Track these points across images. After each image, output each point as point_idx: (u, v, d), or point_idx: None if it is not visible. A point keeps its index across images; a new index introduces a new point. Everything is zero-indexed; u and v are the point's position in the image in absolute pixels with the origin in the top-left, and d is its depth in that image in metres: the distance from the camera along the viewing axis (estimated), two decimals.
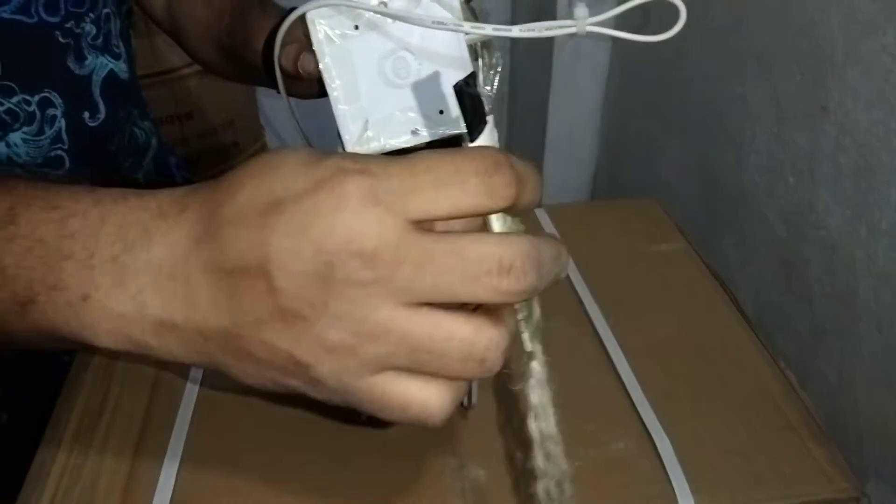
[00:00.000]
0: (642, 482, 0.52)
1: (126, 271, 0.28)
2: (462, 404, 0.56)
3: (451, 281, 0.25)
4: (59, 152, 0.63)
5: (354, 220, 0.25)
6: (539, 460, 0.36)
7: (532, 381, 0.35)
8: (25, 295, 0.29)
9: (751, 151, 0.85)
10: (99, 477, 0.52)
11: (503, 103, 1.46)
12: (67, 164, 0.64)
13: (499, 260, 0.25)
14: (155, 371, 0.61)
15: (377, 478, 0.52)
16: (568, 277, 0.70)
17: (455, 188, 0.25)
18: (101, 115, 0.69)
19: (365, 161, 0.26)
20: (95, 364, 0.61)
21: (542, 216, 0.80)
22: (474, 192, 0.25)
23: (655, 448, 0.54)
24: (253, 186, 0.27)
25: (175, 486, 0.51)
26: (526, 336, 0.34)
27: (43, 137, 0.61)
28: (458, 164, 0.25)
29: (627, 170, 1.22)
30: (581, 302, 0.67)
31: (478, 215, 0.27)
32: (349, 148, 0.41)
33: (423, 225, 0.26)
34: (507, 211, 0.27)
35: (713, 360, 0.62)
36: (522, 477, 0.45)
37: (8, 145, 0.59)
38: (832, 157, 0.70)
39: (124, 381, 0.60)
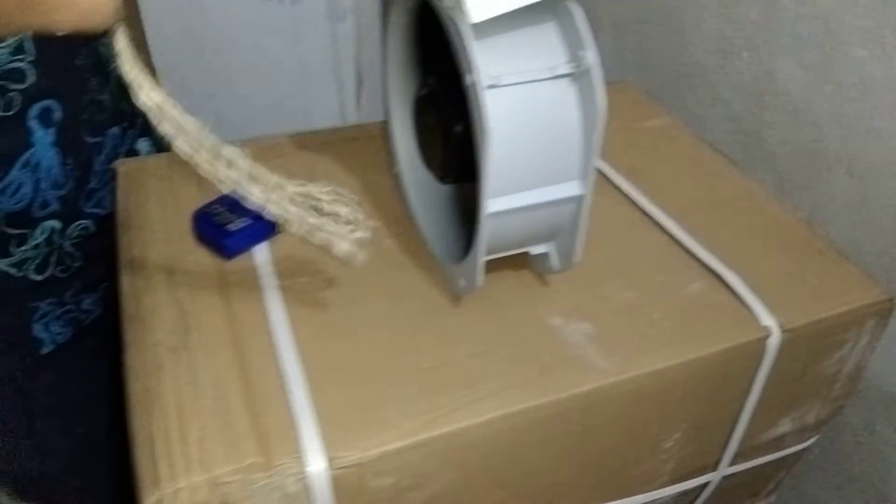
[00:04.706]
0: (726, 311, 0.58)
1: None
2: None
3: None
4: (21, 64, 0.57)
5: None
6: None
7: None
8: None
9: (696, 34, 0.92)
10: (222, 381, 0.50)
11: None
12: (31, 77, 0.58)
13: None
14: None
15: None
16: None
17: None
18: None
19: None
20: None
21: None
22: None
23: (725, 283, 0.60)
24: None
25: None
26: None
27: (1, 46, 0.55)
28: None
29: None
30: (605, 175, 0.72)
31: None
32: None
33: None
34: None
35: (740, 210, 0.69)
36: None
37: None
38: (791, 28, 0.79)
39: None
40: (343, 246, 0.47)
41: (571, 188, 0.51)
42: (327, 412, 0.49)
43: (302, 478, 0.46)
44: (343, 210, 0.48)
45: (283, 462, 0.46)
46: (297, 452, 0.46)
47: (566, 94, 0.47)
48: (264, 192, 0.46)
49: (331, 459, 0.46)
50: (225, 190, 0.45)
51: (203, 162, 0.44)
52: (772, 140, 0.85)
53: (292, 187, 0.47)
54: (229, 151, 0.45)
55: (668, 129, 0.80)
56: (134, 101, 0.42)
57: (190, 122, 0.44)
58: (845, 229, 0.78)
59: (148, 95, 0.42)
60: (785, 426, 0.66)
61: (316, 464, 0.46)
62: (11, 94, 0.56)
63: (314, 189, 0.48)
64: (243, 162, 0.45)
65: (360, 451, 0.47)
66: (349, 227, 0.47)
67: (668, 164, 0.74)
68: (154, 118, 0.43)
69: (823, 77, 0.77)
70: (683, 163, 0.75)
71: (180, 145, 0.43)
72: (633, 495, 0.63)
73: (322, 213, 0.47)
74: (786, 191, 0.84)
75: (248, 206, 0.61)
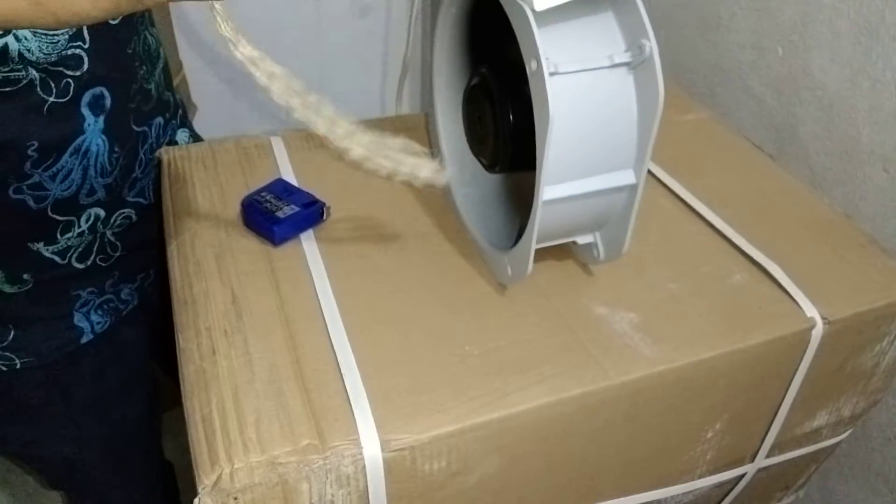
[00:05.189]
0: (770, 303, 0.58)
1: None
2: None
3: None
4: (79, 51, 0.58)
5: None
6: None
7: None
8: None
9: (730, 29, 0.93)
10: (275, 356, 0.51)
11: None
12: (87, 63, 0.59)
13: None
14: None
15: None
16: None
17: None
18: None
19: None
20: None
21: None
22: None
23: (768, 274, 0.60)
24: None
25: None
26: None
27: (59, 33, 0.56)
28: None
29: None
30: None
31: None
32: None
33: None
34: None
35: (780, 203, 0.69)
36: None
37: (17, 39, 0.53)
38: (829, 24, 0.79)
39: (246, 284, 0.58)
40: (424, 173, 0.51)
41: (626, 177, 0.52)
42: (379, 396, 0.49)
43: (356, 460, 0.47)
44: (416, 161, 0.51)
45: (338, 444, 0.47)
46: (351, 435, 0.47)
47: (624, 82, 0.48)
48: (348, 133, 0.49)
49: (384, 442, 0.47)
50: (319, 131, 0.49)
51: (297, 107, 0.48)
52: (805, 135, 0.85)
53: (369, 135, 0.50)
54: (315, 98, 0.48)
55: (706, 123, 0.80)
56: (232, 54, 0.45)
57: (280, 71, 0.47)
58: (879, 225, 0.78)
59: (243, 50, 0.45)
60: (822, 419, 0.67)
61: (370, 447, 0.47)
62: (67, 80, 0.57)
63: (389, 140, 0.51)
64: (326, 109, 0.49)
65: (412, 435, 0.48)
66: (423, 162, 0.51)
67: (708, 157, 0.75)
68: (250, 69, 0.46)
69: (861, 73, 0.77)
70: (722, 156, 0.75)
71: (276, 92, 0.47)
72: (671, 485, 0.63)
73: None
74: (818, 185, 0.84)
75: (296, 196, 0.62)
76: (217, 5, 0.43)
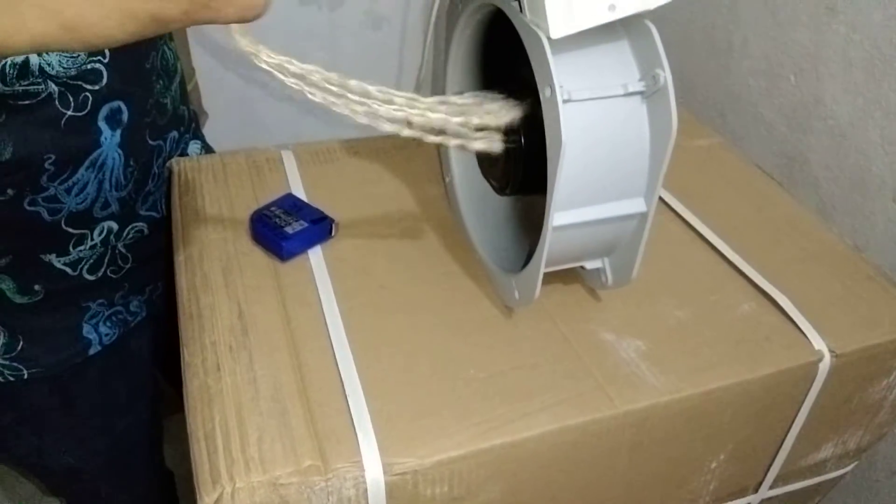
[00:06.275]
0: (778, 334, 0.58)
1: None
2: None
3: None
4: (98, 65, 0.58)
5: None
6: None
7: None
8: None
9: (742, 56, 0.93)
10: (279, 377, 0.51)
11: None
12: (105, 78, 0.59)
13: None
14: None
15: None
16: None
17: None
18: None
19: None
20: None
21: None
22: None
23: (776, 305, 0.60)
24: None
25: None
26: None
27: None
28: None
29: None
30: None
31: None
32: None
33: None
34: None
35: (789, 233, 0.69)
36: None
37: (38, 54, 0.54)
38: (842, 53, 0.79)
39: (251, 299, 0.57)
40: (477, 145, 0.50)
41: (636, 205, 0.51)
42: (383, 418, 0.49)
43: (358, 483, 0.46)
44: (483, 115, 0.50)
45: (340, 466, 0.46)
46: (354, 457, 0.47)
47: (637, 111, 0.48)
48: (400, 108, 0.47)
49: (386, 466, 0.47)
50: (362, 121, 0.47)
51: (338, 105, 0.46)
52: (815, 164, 0.85)
53: (427, 100, 0.48)
54: (356, 84, 0.46)
55: (717, 149, 0.80)
56: (256, 66, 0.45)
57: (312, 71, 0.46)
58: (887, 258, 0.78)
59: (267, 60, 0.45)
60: (827, 451, 0.66)
61: (372, 470, 0.47)
62: (85, 94, 0.57)
63: (453, 98, 0.50)
64: (372, 88, 0.47)
65: (415, 459, 0.47)
66: (483, 131, 0.50)
67: (718, 184, 0.74)
68: (279, 77, 0.45)
69: (873, 103, 0.77)
70: (732, 183, 0.75)
71: (311, 96, 0.46)
72: None
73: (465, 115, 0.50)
74: (827, 215, 0.84)
75: (305, 210, 0.62)
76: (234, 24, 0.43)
